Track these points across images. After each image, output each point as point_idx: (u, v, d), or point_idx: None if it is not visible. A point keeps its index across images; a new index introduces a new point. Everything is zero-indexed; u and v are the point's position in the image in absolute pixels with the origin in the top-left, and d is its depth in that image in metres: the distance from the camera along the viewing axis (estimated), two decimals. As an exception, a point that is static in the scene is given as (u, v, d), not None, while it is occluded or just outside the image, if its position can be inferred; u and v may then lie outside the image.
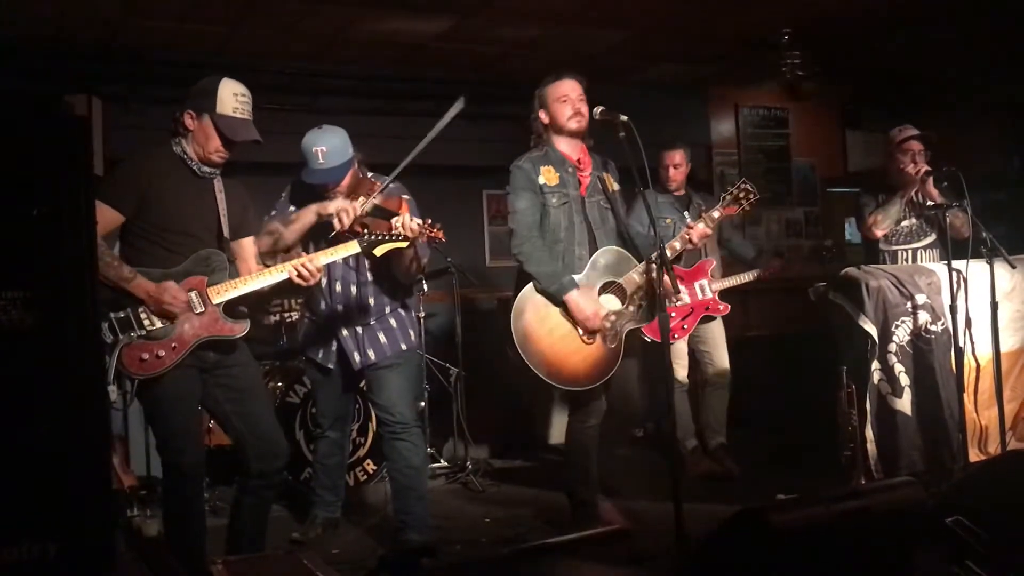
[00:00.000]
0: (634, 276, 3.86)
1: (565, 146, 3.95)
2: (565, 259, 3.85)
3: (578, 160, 3.96)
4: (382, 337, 4.03)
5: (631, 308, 3.88)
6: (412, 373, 4.23)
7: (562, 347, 3.78)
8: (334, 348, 4.11)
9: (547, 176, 3.87)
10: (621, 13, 5.51)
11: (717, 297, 5.45)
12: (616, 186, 4.07)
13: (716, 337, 5.50)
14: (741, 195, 4.17)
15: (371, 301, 4.02)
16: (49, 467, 1.67)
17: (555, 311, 3.80)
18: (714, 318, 5.50)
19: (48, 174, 1.74)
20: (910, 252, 4.98)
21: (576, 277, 3.82)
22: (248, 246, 3.47)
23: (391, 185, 3.89)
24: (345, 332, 4.04)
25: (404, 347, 4.08)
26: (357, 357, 4.02)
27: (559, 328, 3.79)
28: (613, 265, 3.90)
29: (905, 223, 4.98)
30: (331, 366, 4.13)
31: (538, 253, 3.81)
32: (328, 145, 3.80)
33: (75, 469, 1.69)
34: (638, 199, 5.22)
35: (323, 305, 4.05)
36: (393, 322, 4.07)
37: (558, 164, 3.90)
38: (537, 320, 3.79)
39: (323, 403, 4.31)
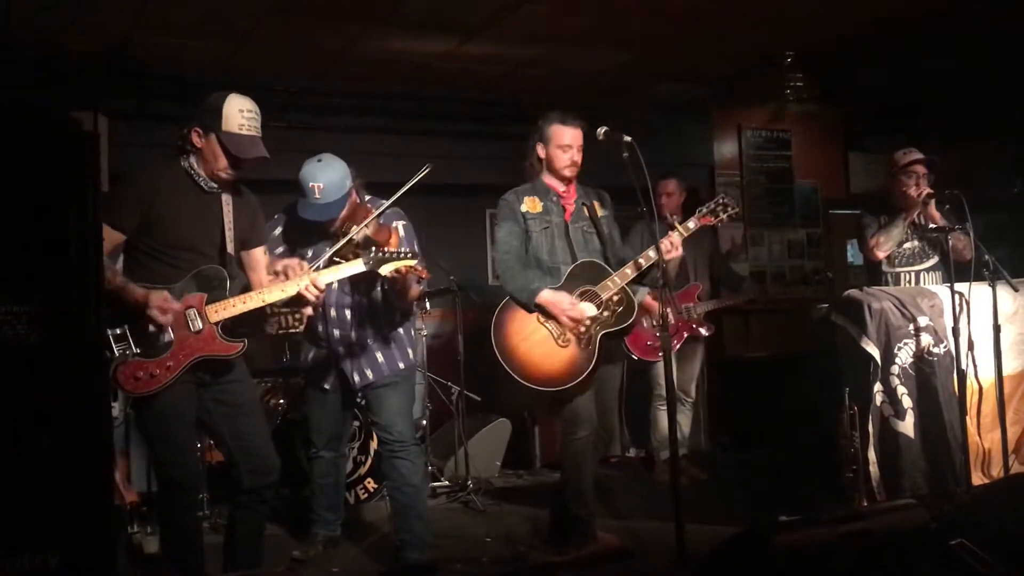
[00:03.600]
0: (609, 284, 3.99)
1: (551, 179, 4.14)
2: (551, 275, 4.03)
3: (563, 190, 4.15)
4: (380, 357, 4.05)
5: (605, 314, 3.98)
6: (411, 391, 4.23)
7: (537, 350, 3.94)
8: (333, 371, 4.11)
9: (530, 205, 4.08)
10: (625, 33, 5.55)
11: (702, 319, 5.79)
12: (603, 212, 4.21)
13: (684, 359, 5.85)
14: (719, 208, 4.20)
15: (367, 324, 4.03)
16: (52, 479, 1.68)
17: (533, 319, 3.98)
18: (698, 339, 5.82)
19: (56, 190, 1.75)
20: (913, 274, 4.99)
21: (553, 286, 3.98)
22: (259, 256, 3.47)
23: (387, 211, 3.91)
24: (343, 354, 4.05)
25: (402, 366, 4.09)
26: (356, 378, 4.04)
27: (535, 333, 3.97)
28: (590, 275, 4.03)
29: (908, 245, 4.99)
30: (327, 387, 4.14)
31: (511, 272, 4.03)
32: (325, 181, 3.75)
33: (77, 482, 1.69)
34: (634, 227, 5.37)
35: (320, 329, 4.06)
36: (391, 342, 4.09)
37: (543, 194, 4.11)
38: (515, 327, 3.99)
39: (317, 421, 4.28)
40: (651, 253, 3.93)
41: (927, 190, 4.80)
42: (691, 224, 4.13)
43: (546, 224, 4.08)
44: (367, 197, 4.04)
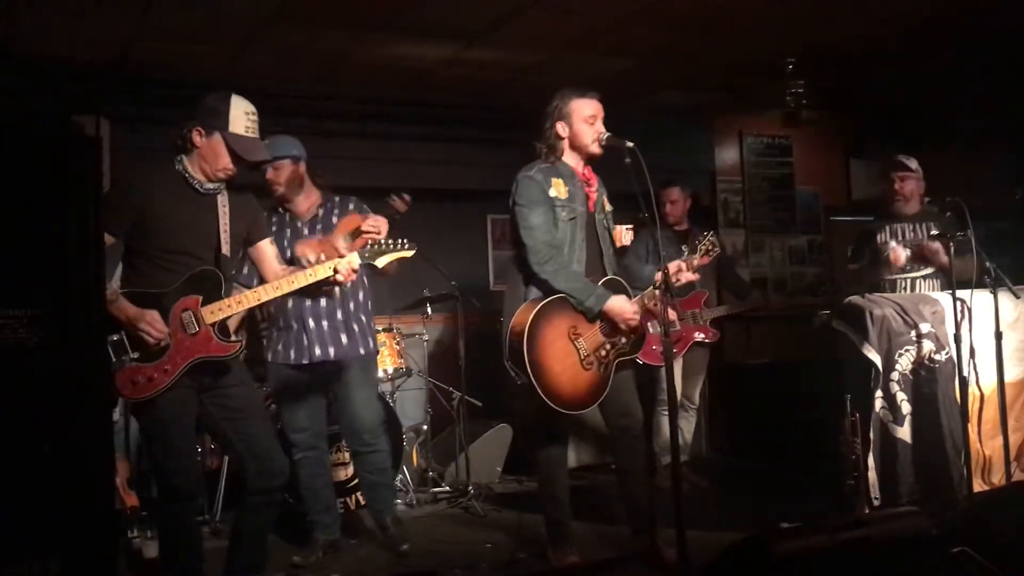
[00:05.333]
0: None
1: (573, 160, 3.90)
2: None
3: (583, 172, 3.92)
4: (344, 337, 4.25)
5: (623, 340, 3.86)
6: (372, 378, 4.47)
7: (563, 371, 3.73)
8: (294, 347, 4.25)
9: (558, 189, 3.79)
10: (627, 40, 5.56)
11: (708, 325, 5.77)
12: (608, 208, 4.03)
13: (690, 366, 5.82)
14: (708, 246, 4.16)
15: (336, 291, 4.10)
16: (52, 485, 1.67)
17: (564, 333, 3.73)
18: (703, 346, 5.81)
19: (57, 194, 1.75)
20: (909, 280, 5.04)
21: None
22: (266, 249, 3.47)
23: (351, 206, 4.27)
24: (311, 324, 4.21)
25: (363, 351, 4.30)
26: (318, 350, 4.20)
27: (564, 351, 3.74)
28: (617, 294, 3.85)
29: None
30: (305, 361, 4.23)
31: (565, 270, 3.75)
32: (273, 140, 4.07)
33: (78, 486, 1.69)
34: (637, 236, 5.37)
35: (290, 303, 4.21)
36: (355, 326, 4.29)
37: (568, 178, 3.84)
38: (543, 346, 3.71)
39: (295, 415, 4.33)
40: (656, 291, 3.81)
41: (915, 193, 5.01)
42: (694, 262, 4.06)
43: (573, 214, 3.80)
44: (337, 197, 4.32)
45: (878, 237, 5.13)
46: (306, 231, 4.26)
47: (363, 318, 4.35)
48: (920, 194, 5.10)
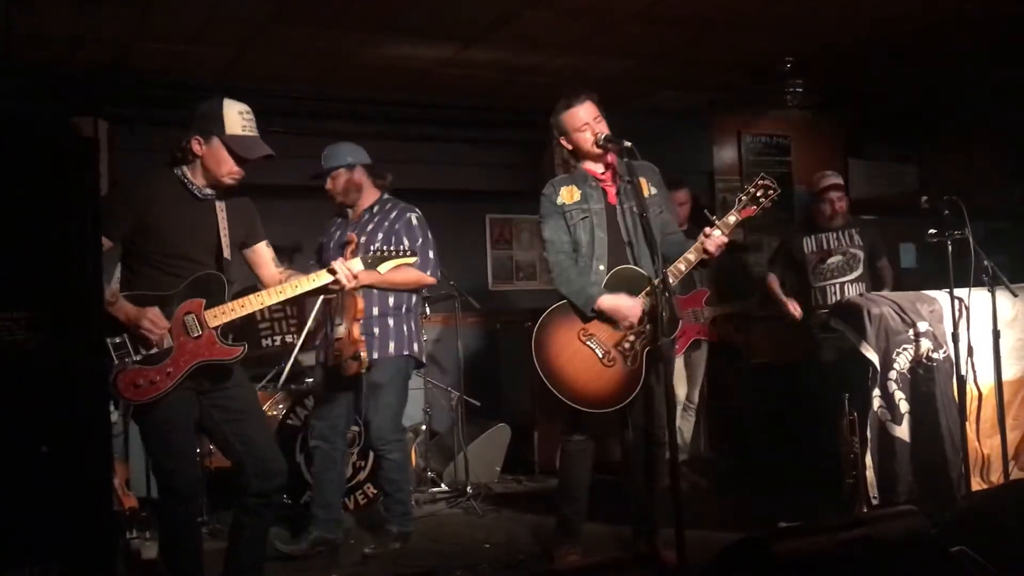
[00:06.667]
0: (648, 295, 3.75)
1: (589, 165, 3.91)
2: (584, 273, 3.80)
3: (603, 173, 3.89)
4: (376, 332, 4.25)
5: (649, 327, 3.74)
6: (400, 386, 4.37)
7: (584, 372, 3.73)
8: (323, 349, 4.35)
9: (566, 195, 3.84)
10: (625, 41, 5.56)
11: (708, 325, 5.82)
12: (652, 190, 3.88)
13: (690, 366, 5.89)
14: (759, 193, 3.73)
15: (373, 298, 4.22)
16: (52, 488, 1.67)
17: (573, 338, 3.76)
18: (701, 345, 5.85)
19: (55, 195, 1.75)
20: (838, 286, 5.37)
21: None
22: (264, 251, 3.46)
23: (400, 206, 4.38)
24: (331, 327, 4.23)
25: (393, 351, 4.28)
26: None
27: (579, 354, 3.75)
28: (627, 283, 3.78)
29: (832, 259, 5.39)
30: (327, 362, 4.28)
31: (566, 275, 3.80)
32: (330, 149, 4.39)
33: (77, 490, 1.69)
34: None
35: (318, 307, 4.36)
36: (376, 329, 4.26)
37: (580, 181, 3.87)
38: (557, 349, 3.76)
39: (317, 404, 4.53)
40: (691, 256, 3.72)
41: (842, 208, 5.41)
42: (731, 219, 3.74)
43: (584, 214, 3.81)
44: (388, 204, 4.39)
45: (805, 245, 5.50)
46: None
47: (390, 322, 4.30)
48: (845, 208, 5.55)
